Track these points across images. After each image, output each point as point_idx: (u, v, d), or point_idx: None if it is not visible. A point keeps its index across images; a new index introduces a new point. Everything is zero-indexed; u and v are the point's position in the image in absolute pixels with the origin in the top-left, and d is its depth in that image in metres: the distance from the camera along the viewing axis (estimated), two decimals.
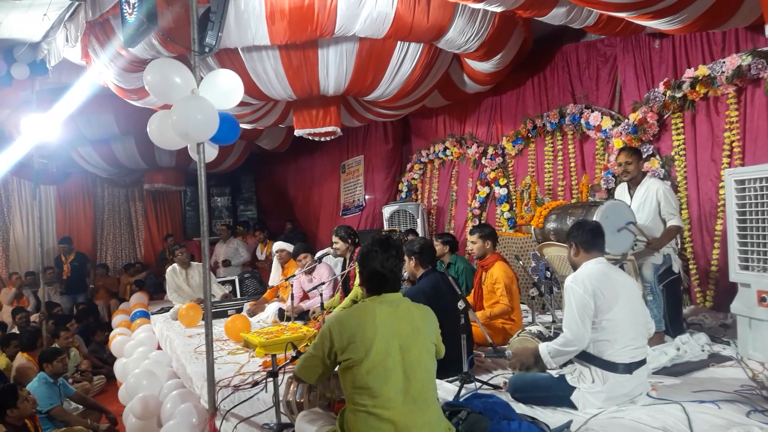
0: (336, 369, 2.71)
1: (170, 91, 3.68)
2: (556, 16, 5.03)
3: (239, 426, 3.38)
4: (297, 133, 7.14)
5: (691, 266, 5.42)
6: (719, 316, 4.94)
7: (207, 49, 3.89)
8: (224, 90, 3.78)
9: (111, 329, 9.37)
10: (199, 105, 3.58)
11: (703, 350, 4.00)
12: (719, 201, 5.16)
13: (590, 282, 3.20)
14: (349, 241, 6.07)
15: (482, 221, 8.18)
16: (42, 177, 9.25)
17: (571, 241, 3.40)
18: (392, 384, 2.46)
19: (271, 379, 3.27)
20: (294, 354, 3.17)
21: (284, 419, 3.20)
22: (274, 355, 3.25)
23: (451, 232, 8.52)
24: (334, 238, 6.13)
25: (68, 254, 10.51)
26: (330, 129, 7.03)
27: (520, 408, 3.16)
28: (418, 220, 8.77)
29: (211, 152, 3.94)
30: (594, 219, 4.07)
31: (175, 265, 7.36)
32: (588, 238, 3.35)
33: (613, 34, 5.63)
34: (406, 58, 6.18)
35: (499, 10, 4.79)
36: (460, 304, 3.65)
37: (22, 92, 7.78)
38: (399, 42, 5.96)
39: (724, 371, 3.70)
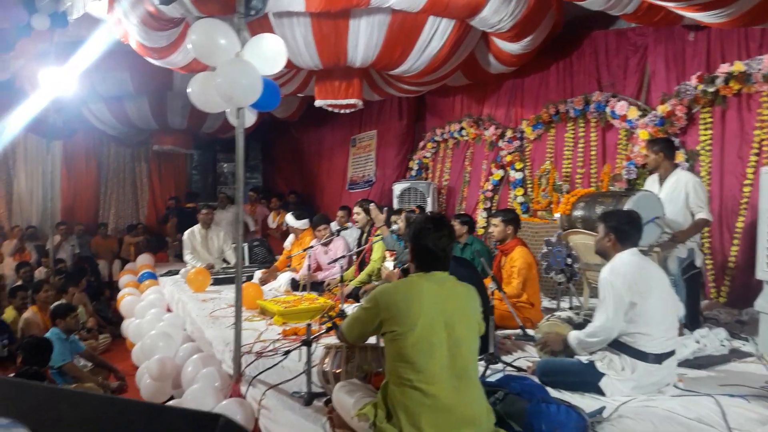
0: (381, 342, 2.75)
1: (214, 52, 3.62)
2: (596, 2, 4.99)
3: (266, 393, 3.39)
4: (317, 103, 7.09)
5: (707, 261, 5.44)
6: (734, 312, 4.98)
7: (253, 12, 3.82)
8: (268, 55, 3.74)
9: (113, 289, 9.41)
10: (244, 69, 3.53)
11: (723, 345, 4.04)
12: (742, 198, 5.17)
13: (626, 274, 3.21)
14: (371, 215, 6.07)
15: (494, 204, 8.19)
16: (47, 131, 9.17)
17: (609, 230, 3.39)
18: (437, 360, 2.47)
19: (302, 347, 3.29)
20: (330, 326, 3.18)
21: (314, 389, 3.22)
22: (309, 324, 3.25)
23: (462, 213, 8.51)
24: (356, 209, 6.14)
25: (175, 211, 10.73)
26: (352, 101, 6.99)
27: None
28: (429, 199, 8.76)
29: (250, 118, 3.89)
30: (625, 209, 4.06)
31: (195, 227, 7.37)
32: (626, 230, 3.35)
33: (648, 24, 5.58)
34: (436, 34, 6.13)
35: None
36: (491, 285, 3.66)
37: (40, 44, 7.64)
38: (431, 17, 5.90)
39: (746, 367, 3.75)
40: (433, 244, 2.60)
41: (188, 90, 3.84)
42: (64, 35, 7.56)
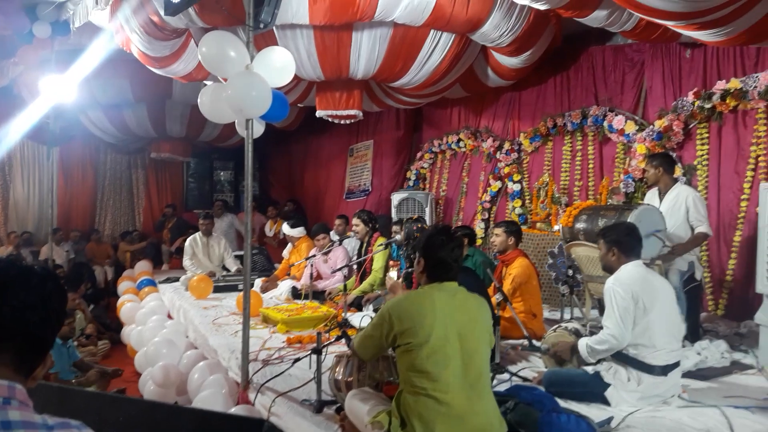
0: (390, 351, 2.79)
1: (224, 64, 3.68)
2: (596, 19, 5.07)
3: (276, 400, 3.42)
4: (318, 114, 7.15)
5: (705, 274, 5.52)
6: (732, 325, 5.06)
7: (262, 26, 3.87)
8: (277, 67, 3.80)
9: (109, 294, 9.39)
10: (254, 81, 3.58)
11: (723, 357, 4.11)
12: (740, 213, 5.27)
13: (631, 285, 3.27)
14: (370, 225, 6.14)
15: (492, 215, 8.27)
16: (44, 137, 9.19)
17: (610, 244, 3.45)
18: (451, 369, 2.50)
19: (309, 355, 3.33)
20: (339, 334, 3.22)
21: (324, 396, 3.25)
22: (319, 333, 3.29)
23: (460, 223, 8.60)
24: (355, 221, 6.19)
25: (171, 219, 10.60)
26: (352, 112, 7.05)
27: None
28: (427, 209, 8.82)
29: (259, 129, 3.95)
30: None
31: (196, 234, 7.41)
32: (628, 241, 3.42)
33: (646, 41, 5.69)
34: (437, 48, 6.21)
35: (544, 8, 4.82)
36: (497, 296, 3.72)
37: (41, 51, 7.66)
38: (432, 31, 5.98)
39: (748, 379, 3.81)
40: (447, 255, 2.64)
41: (198, 101, 3.89)
42: (64, 43, 7.59)
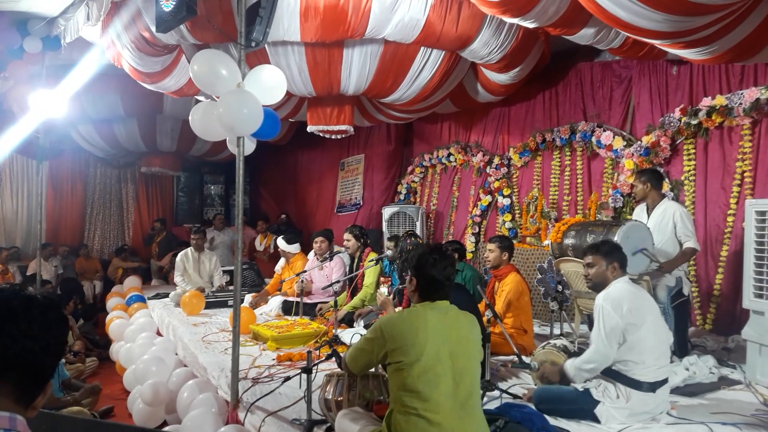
0: (380, 369, 2.79)
1: (216, 83, 3.69)
2: (584, 36, 5.14)
3: (265, 419, 3.40)
4: (310, 129, 7.17)
5: (693, 289, 5.57)
6: (720, 339, 5.10)
7: (254, 44, 3.90)
8: (269, 85, 3.81)
9: (97, 311, 9.32)
10: (246, 99, 3.60)
11: (711, 372, 4.13)
12: (726, 228, 5.32)
13: (621, 302, 3.29)
14: (361, 240, 6.14)
15: (482, 229, 8.30)
16: (34, 152, 9.16)
17: (611, 258, 3.46)
18: (442, 389, 2.51)
19: (299, 374, 3.32)
20: (329, 353, 3.22)
21: (314, 416, 3.24)
22: (309, 351, 3.28)
23: (450, 237, 8.63)
24: (347, 236, 6.19)
25: (160, 234, 10.59)
26: (343, 128, 7.08)
27: None
28: (418, 223, 8.85)
29: (250, 146, 3.96)
30: (615, 239, 4.17)
31: (188, 249, 7.37)
32: (623, 257, 3.47)
33: (634, 58, 5.76)
34: (427, 64, 6.26)
35: (532, 26, 4.88)
36: (487, 313, 3.73)
37: (32, 66, 7.65)
38: (422, 48, 6.03)
39: (736, 394, 3.83)
40: (439, 273, 2.65)
41: (189, 119, 3.90)
42: (55, 58, 7.59)
